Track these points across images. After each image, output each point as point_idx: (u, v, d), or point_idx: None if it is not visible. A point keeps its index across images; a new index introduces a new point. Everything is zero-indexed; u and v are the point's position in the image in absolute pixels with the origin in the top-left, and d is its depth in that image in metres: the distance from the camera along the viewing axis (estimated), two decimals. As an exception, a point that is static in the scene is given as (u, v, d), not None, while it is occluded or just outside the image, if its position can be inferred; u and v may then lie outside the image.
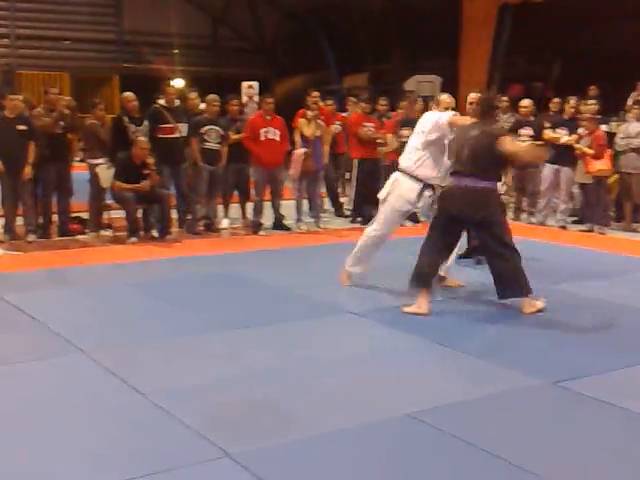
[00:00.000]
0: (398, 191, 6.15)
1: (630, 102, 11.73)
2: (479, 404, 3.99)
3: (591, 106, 10.02)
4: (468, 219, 5.57)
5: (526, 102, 9.78)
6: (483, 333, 5.29)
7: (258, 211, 9.36)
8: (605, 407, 3.97)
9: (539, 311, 5.67)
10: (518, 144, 5.95)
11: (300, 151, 9.33)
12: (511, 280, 5.61)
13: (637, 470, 3.31)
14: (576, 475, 3.26)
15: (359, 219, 9.99)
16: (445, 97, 6.56)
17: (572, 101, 9.87)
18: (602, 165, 9.34)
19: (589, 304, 6.09)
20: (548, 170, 9.59)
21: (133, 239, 8.43)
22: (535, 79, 17.61)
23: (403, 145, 9.24)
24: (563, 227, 9.69)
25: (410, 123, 9.53)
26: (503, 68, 16.34)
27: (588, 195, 9.70)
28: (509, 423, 3.77)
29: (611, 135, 10.21)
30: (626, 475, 3.27)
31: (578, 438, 3.61)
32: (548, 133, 9.49)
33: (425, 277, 5.67)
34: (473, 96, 7.47)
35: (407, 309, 5.66)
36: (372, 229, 6.43)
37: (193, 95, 9.87)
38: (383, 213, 6.31)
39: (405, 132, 9.59)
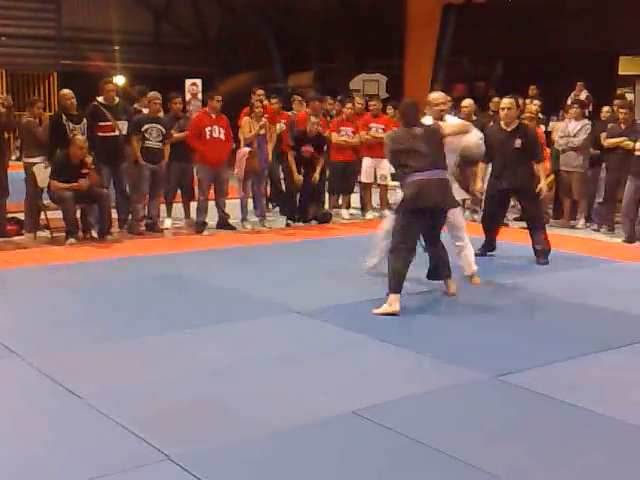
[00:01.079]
0: None
1: (569, 102, 11.99)
2: (423, 400, 4.01)
3: (535, 106, 10.19)
4: (437, 209, 5.76)
5: (467, 102, 9.89)
6: (425, 329, 5.31)
7: (202, 210, 9.24)
8: (545, 400, 4.03)
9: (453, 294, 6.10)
10: (449, 125, 6.19)
11: (244, 150, 9.26)
12: (447, 264, 6.12)
13: (578, 463, 3.36)
14: (519, 469, 3.28)
15: (297, 217, 9.92)
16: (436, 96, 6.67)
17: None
18: (541, 163, 9.48)
19: (529, 299, 6.19)
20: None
21: (71, 240, 8.21)
22: (478, 79, 17.87)
23: None
24: (505, 224, 9.82)
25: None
26: (447, 68, 16.54)
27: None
28: (453, 418, 3.80)
29: (550, 134, 10.41)
30: (567, 468, 3.32)
31: (520, 432, 3.65)
32: None
33: (401, 281, 5.69)
34: (506, 102, 7.61)
35: (377, 311, 5.59)
36: None
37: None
38: None
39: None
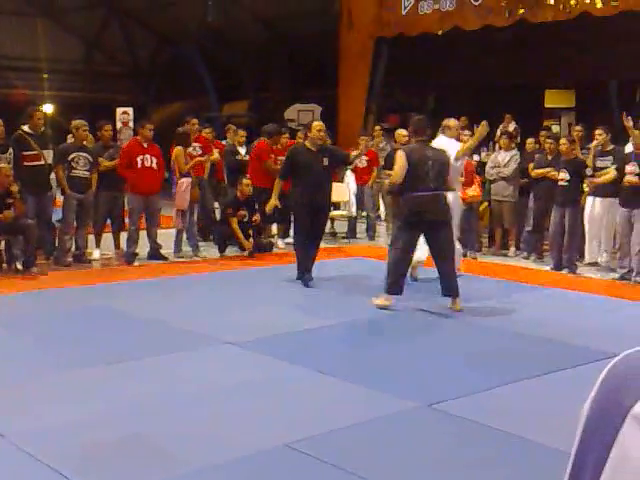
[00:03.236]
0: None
1: (498, 133, 12.28)
2: (356, 430, 3.95)
3: (466, 137, 10.36)
4: (436, 222, 6.48)
5: (401, 131, 10.03)
6: (360, 358, 5.28)
7: (133, 241, 9.01)
8: (478, 428, 4.02)
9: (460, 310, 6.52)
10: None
11: (186, 181, 9.16)
12: (455, 279, 6.61)
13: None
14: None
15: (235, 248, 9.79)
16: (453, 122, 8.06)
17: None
18: (473, 192, 9.65)
19: (459, 326, 6.22)
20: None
21: (-5, 272, 7.91)
22: (411, 110, 18.17)
23: None
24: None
25: None
26: (380, 98, 16.78)
27: (461, 221, 9.97)
28: (388, 448, 3.75)
29: (482, 164, 10.60)
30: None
31: (455, 460, 3.63)
32: None
33: (401, 285, 6.60)
34: (316, 124, 8.05)
35: (377, 302, 6.53)
36: None
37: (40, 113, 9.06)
38: None
39: None
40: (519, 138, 12.01)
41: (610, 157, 8.70)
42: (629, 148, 8.61)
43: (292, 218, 8.71)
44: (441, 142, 7.84)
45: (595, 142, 9.07)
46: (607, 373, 0.79)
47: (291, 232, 10.82)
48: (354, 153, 8.54)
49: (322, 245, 10.60)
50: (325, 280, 7.70)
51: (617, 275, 8.38)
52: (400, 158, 6.66)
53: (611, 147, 8.88)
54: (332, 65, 15.90)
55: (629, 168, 8.16)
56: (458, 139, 8.37)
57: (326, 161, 7.78)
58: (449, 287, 6.58)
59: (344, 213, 11.62)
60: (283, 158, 10.26)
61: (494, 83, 16.66)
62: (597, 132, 8.95)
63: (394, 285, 6.59)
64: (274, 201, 8.02)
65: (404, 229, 6.66)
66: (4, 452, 3.62)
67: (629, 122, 8.27)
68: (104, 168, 8.96)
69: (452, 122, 8.23)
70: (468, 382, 4.72)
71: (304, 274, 7.66)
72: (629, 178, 8.11)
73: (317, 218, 7.81)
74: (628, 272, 8.24)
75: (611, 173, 8.43)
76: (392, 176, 6.95)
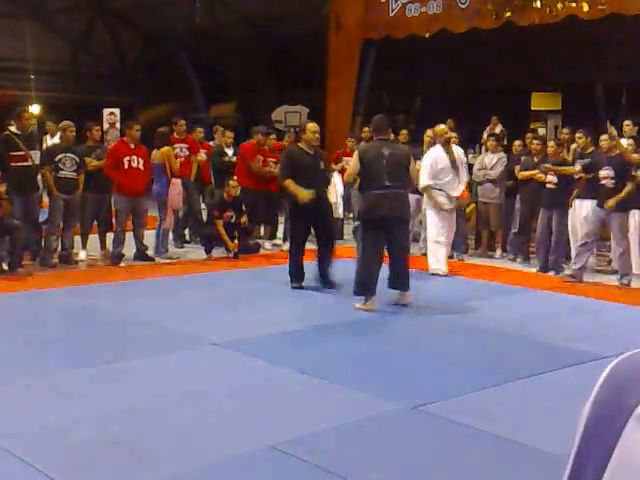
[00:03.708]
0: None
1: (485, 135, 12.34)
2: (342, 432, 3.96)
3: (454, 138, 10.41)
4: (392, 220, 6.53)
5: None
6: (345, 359, 5.28)
7: (119, 242, 8.99)
8: (464, 430, 4.03)
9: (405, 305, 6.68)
10: (416, 169, 7.49)
11: (178, 182, 9.16)
12: (406, 275, 6.70)
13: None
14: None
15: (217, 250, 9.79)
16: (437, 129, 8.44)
17: (429, 131, 10.24)
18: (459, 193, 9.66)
19: (446, 327, 6.24)
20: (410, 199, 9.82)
21: (-20, 273, 7.86)
22: (397, 112, 18.20)
23: None
24: (424, 254, 9.94)
25: None
26: (367, 100, 16.80)
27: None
28: (371, 450, 3.75)
29: (469, 166, 10.63)
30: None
31: (439, 463, 3.63)
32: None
33: (370, 286, 6.54)
34: (313, 125, 8.02)
35: (358, 305, 6.55)
36: None
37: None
38: None
39: None
40: (506, 140, 12.08)
41: (589, 160, 8.75)
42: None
43: (288, 225, 8.55)
44: (436, 152, 8.41)
45: (574, 145, 9.13)
46: (609, 373, 0.78)
47: (278, 234, 10.84)
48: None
49: (307, 246, 10.67)
50: (310, 281, 7.70)
51: (575, 267, 8.17)
52: (353, 157, 6.85)
53: (591, 149, 8.93)
54: (319, 67, 15.90)
55: (603, 173, 8.16)
56: (448, 141, 8.59)
57: (322, 164, 7.77)
58: (400, 282, 6.70)
59: (331, 214, 11.64)
60: (271, 160, 10.34)
61: (481, 85, 16.73)
62: (577, 135, 9.02)
63: (365, 287, 6.58)
64: (304, 194, 7.26)
65: (363, 228, 6.77)
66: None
67: (613, 131, 8.28)
68: (92, 167, 8.94)
69: (436, 129, 8.53)
70: (452, 384, 4.73)
71: (293, 281, 7.60)
72: (604, 193, 8.08)
73: (323, 219, 7.63)
74: (581, 268, 8.18)
75: (576, 169, 8.66)
76: (344, 175, 7.04)
